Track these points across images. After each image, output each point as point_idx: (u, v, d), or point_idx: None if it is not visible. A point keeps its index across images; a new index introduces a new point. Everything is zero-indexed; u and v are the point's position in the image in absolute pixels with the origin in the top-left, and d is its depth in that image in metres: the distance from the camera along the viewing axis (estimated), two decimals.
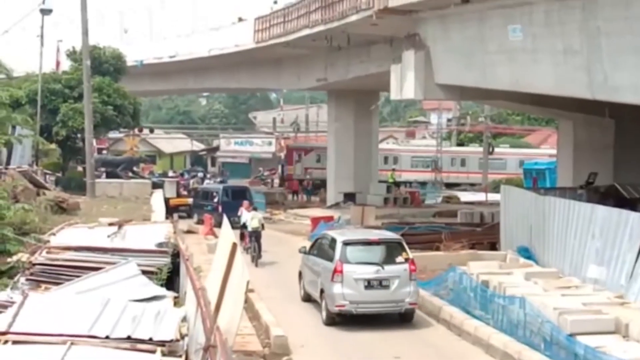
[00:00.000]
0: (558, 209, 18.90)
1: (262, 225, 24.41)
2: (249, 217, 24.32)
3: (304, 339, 14.88)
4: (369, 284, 16.07)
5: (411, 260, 16.35)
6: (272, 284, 19.93)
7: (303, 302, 18.08)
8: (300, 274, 18.71)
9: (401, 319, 16.28)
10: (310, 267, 17.89)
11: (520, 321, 14.19)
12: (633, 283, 15.45)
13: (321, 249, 17.70)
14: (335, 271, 16.10)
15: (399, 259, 16.45)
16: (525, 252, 20.11)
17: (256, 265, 23.10)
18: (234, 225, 15.82)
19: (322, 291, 16.60)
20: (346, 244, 16.61)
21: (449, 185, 58.67)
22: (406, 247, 16.94)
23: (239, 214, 25.49)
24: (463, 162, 61.13)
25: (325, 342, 15.25)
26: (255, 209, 26.41)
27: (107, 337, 9.72)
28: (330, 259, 16.54)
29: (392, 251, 16.75)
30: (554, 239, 18.92)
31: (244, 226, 24.67)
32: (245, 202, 26.60)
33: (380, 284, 16.11)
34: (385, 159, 56.22)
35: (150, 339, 9.72)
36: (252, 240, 23.97)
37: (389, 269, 16.18)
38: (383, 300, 16.11)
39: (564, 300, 14.93)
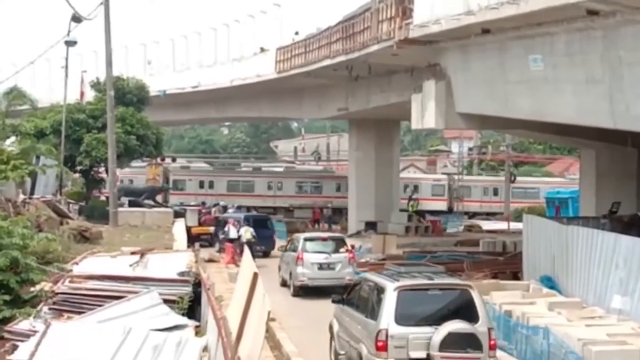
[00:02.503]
0: (581, 239, 18.75)
1: (254, 237, 29.46)
2: (243, 231, 29.68)
3: None
4: (321, 266, 23.37)
5: (350, 250, 22.12)
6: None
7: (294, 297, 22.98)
8: (279, 267, 25.65)
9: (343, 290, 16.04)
10: (284, 259, 25.27)
11: (543, 352, 14.04)
12: None
13: (291, 244, 25.28)
14: (297, 258, 23.40)
15: (342, 250, 24.01)
16: (549, 282, 19.93)
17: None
18: (255, 254, 16.45)
19: (290, 273, 23.81)
20: (306, 239, 24.33)
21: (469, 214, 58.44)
22: (347, 242, 25.78)
23: (225, 229, 30.56)
24: (489, 191, 60.78)
25: None
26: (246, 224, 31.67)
27: None
28: (295, 250, 23.97)
29: (337, 245, 24.43)
30: (577, 269, 18.76)
31: (231, 240, 29.67)
32: (231, 219, 32.35)
33: (329, 266, 23.43)
34: (405, 187, 56.26)
35: None
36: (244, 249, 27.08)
37: (335, 257, 23.64)
38: (330, 277, 23.04)
39: (588, 330, 14.77)
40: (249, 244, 27.19)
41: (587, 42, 18.11)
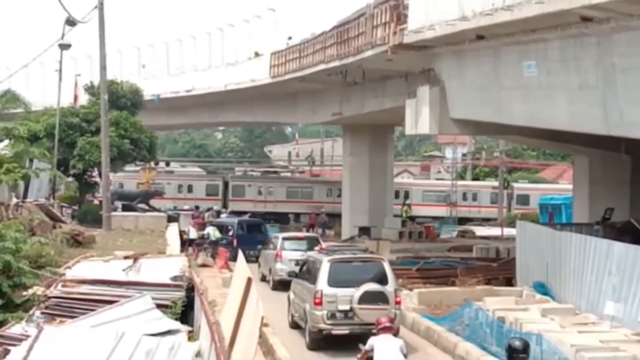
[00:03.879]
0: (574, 245, 18.79)
1: (221, 237, 32.25)
2: (211, 230, 32.36)
3: None
4: (297, 262, 23.08)
5: (322, 249, 20.78)
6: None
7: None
8: (259, 264, 27.36)
9: None
10: (264, 256, 27.13)
11: (536, 358, 14.03)
12: None
13: (271, 243, 27.49)
14: (277, 255, 25.46)
15: (316, 248, 22.95)
16: (542, 288, 19.97)
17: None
18: (249, 259, 16.60)
19: (270, 269, 25.77)
20: (284, 239, 26.78)
21: (462, 220, 58.38)
22: (321, 241, 27.36)
23: (186, 229, 32.55)
24: (475, 197, 60.74)
25: None
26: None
27: None
28: (274, 249, 26.14)
29: (312, 243, 25.43)
30: (570, 275, 18.79)
31: (191, 240, 31.54)
32: (192, 220, 35.36)
33: None
34: (397, 193, 56.26)
35: None
36: (212, 247, 30.95)
37: (309, 254, 22.09)
38: None
39: (581, 337, 14.79)
40: (216, 242, 30.93)
41: (581, 49, 18.16)
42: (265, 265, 27.13)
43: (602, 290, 17.15)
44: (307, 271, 18.52)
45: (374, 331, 11.91)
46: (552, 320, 16.49)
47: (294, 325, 18.62)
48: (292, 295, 19.14)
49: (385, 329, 11.63)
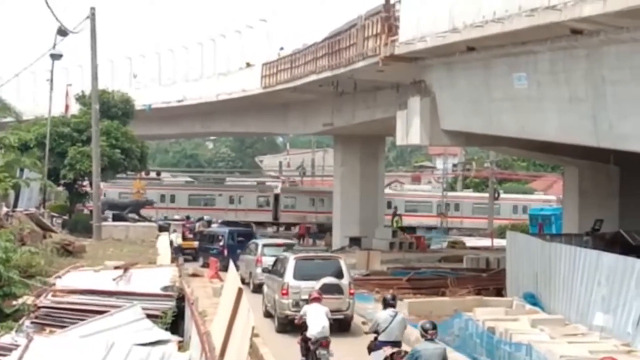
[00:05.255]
0: (564, 256, 18.85)
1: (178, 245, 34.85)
2: (174, 237, 35.07)
3: None
4: None
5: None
6: None
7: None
8: (237, 266, 27.20)
9: None
10: (244, 261, 28.48)
11: None
12: None
13: (249, 249, 29.20)
14: (257, 261, 27.00)
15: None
16: (532, 299, 20.01)
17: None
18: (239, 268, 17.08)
19: (250, 273, 27.14)
20: (264, 245, 28.14)
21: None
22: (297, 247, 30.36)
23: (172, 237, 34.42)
24: (457, 207, 60.90)
25: None
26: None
27: None
28: (254, 254, 27.77)
29: (288, 249, 26.27)
30: (560, 286, 18.84)
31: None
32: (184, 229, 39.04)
33: None
34: (389, 203, 56.35)
35: None
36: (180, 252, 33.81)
37: (280, 253, 23.89)
38: None
39: (571, 347, 14.83)
40: (179, 249, 33.86)
41: (571, 61, 18.27)
42: (245, 270, 27.89)
43: (592, 301, 17.21)
44: (277, 267, 21.51)
45: (308, 301, 15.64)
46: (542, 330, 16.52)
47: (267, 314, 21.47)
48: (265, 289, 22.21)
49: (315, 299, 15.40)
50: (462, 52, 22.45)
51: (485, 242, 48.34)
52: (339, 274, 19.93)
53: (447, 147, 60.01)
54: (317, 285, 18.43)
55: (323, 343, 14.71)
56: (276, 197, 57.39)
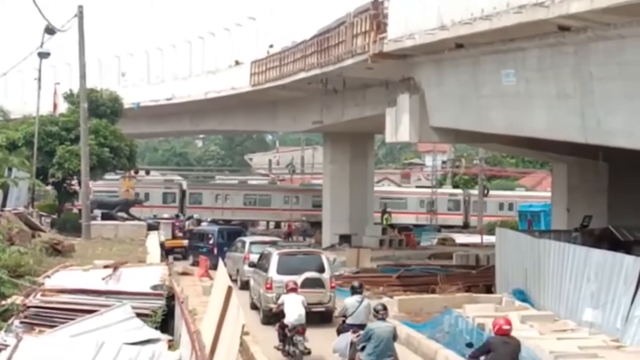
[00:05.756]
0: (553, 252, 18.93)
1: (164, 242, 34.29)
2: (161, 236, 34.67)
3: None
4: None
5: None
6: None
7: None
8: (225, 262, 28.13)
9: None
10: (231, 258, 28.58)
11: None
12: (628, 327, 15.44)
13: (236, 246, 29.63)
14: (244, 258, 27.07)
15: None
16: (521, 295, 20.08)
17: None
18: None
19: (237, 270, 27.13)
20: (251, 243, 28.52)
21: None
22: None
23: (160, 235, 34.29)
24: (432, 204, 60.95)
25: None
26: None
27: None
28: (242, 252, 28.09)
29: (273, 245, 25.74)
30: (549, 282, 18.92)
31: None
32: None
33: None
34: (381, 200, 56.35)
35: None
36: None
37: (265, 248, 24.54)
38: None
39: (560, 343, 14.90)
40: (162, 246, 32.56)
41: (559, 58, 18.34)
42: (232, 267, 27.87)
43: (581, 296, 17.29)
44: (262, 262, 22.57)
45: (285, 292, 16.92)
46: (532, 326, 16.60)
47: (253, 307, 22.30)
48: (251, 282, 23.20)
49: (292, 290, 16.71)
50: (451, 50, 22.49)
51: (475, 239, 48.45)
52: (321, 269, 20.86)
53: (436, 144, 60.11)
54: (299, 279, 19.20)
55: (299, 330, 15.97)
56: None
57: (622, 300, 15.77)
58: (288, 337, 16.16)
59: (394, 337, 13.46)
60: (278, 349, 16.53)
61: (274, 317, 18.70)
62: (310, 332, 16.34)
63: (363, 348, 13.33)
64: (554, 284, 18.64)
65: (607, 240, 23.23)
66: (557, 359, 13.57)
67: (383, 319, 13.57)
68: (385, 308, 13.83)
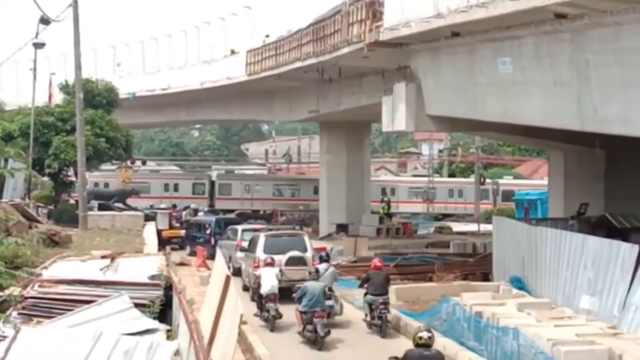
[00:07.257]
0: (550, 240, 18.96)
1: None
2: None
3: None
4: None
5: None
6: None
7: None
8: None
9: None
10: (224, 245, 28.61)
11: (514, 352, 14.18)
12: (626, 313, 15.48)
13: (228, 235, 30.46)
14: (237, 245, 27.82)
15: None
16: (518, 283, 20.13)
17: None
18: None
19: (230, 257, 26.75)
20: (243, 230, 29.16)
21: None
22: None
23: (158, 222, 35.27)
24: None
25: None
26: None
27: None
28: (234, 239, 28.83)
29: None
30: (546, 270, 18.96)
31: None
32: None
33: None
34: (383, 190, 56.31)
35: None
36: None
37: (255, 233, 26.32)
38: None
39: (557, 331, 14.94)
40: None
41: (555, 45, 18.31)
42: (225, 253, 28.20)
43: (578, 284, 17.33)
44: (251, 245, 24.53)
45: (262, 266, 19.94)
46: (529, 314, 16.63)
47: (245, 288, 23.50)
48: (243, 265, 24.94)
49: (269, 264, 19.67)
50: (447, 38, 22.45)
51: (472, 227, 48.50)
52: (304, 249, 22.89)
53: (432, 133, 60.03)
54: (284, 258, 21.52)
55: (271, 297, 18.46)
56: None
57: (619, 287, 15.81)
58: (263, 304, 18.59)
59: (324, 293, 17.44)
60: (256, 315, 18.85)
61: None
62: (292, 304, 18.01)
63: (300, 301, 17.14)
64: (551, 272, 18.68)
65: (604, 228, 23.29)
66: (555, 346, 13.59)
67: (316, 279, 18.00)
68: (317, 271, 18.79)
